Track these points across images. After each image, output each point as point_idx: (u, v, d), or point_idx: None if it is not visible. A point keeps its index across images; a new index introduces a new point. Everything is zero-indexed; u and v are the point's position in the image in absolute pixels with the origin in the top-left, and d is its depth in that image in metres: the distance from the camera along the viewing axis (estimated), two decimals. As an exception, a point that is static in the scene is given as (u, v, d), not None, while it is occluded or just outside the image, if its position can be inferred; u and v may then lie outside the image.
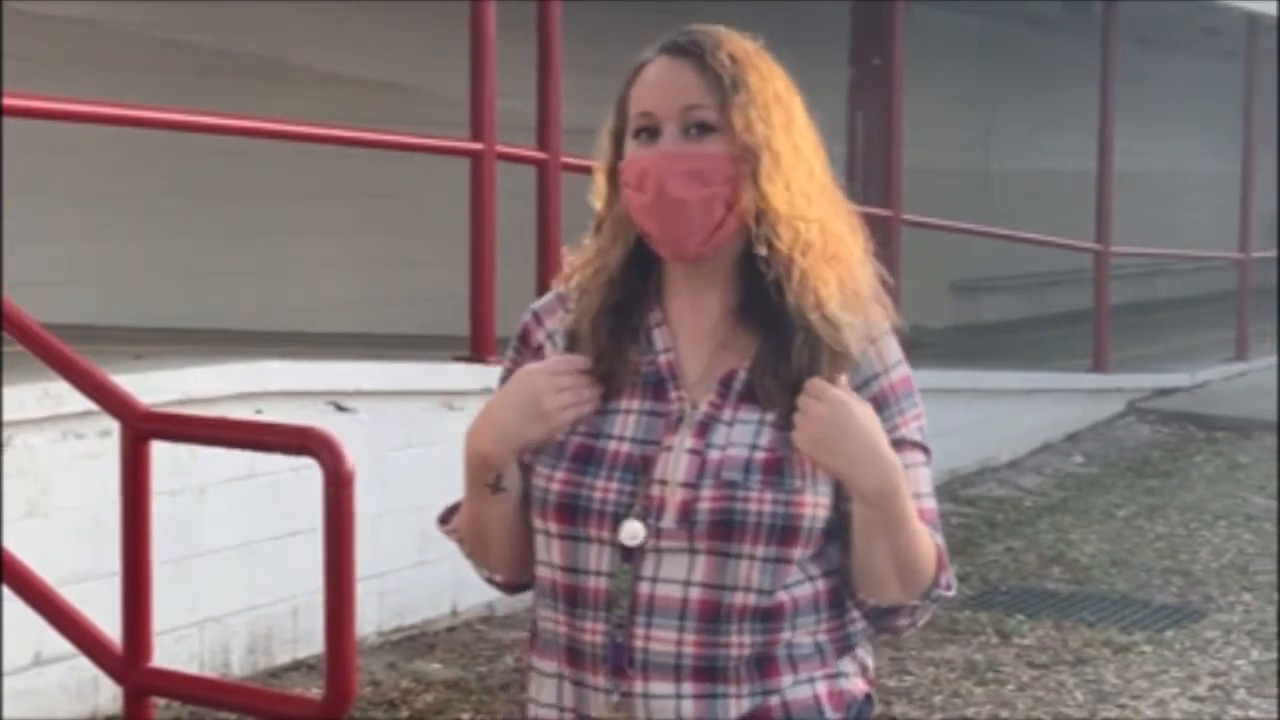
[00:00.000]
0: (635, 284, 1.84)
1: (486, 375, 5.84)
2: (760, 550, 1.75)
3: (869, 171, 10.64)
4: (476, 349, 5.88)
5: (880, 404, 1.80)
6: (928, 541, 1.78)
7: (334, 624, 2.74)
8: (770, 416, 1.78)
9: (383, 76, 8.47)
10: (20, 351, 3.37)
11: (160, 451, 3.13)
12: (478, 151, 5.87)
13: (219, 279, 7.89)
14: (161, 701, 3.51)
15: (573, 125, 6.53)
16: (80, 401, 3.66)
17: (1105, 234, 10.06)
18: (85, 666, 3.63)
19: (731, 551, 1.74)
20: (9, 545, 3.40)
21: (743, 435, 1.77)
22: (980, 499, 7.98)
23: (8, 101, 4.27)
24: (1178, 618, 5.94)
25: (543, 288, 6.18)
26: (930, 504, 1.82)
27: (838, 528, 1.79)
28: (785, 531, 1.75)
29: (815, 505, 1.76)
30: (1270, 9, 11.57)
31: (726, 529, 1.74)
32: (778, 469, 1.76)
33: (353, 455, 2.78)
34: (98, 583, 3.89)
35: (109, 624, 3.20)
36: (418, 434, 5.52)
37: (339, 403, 5.22)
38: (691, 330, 1.83)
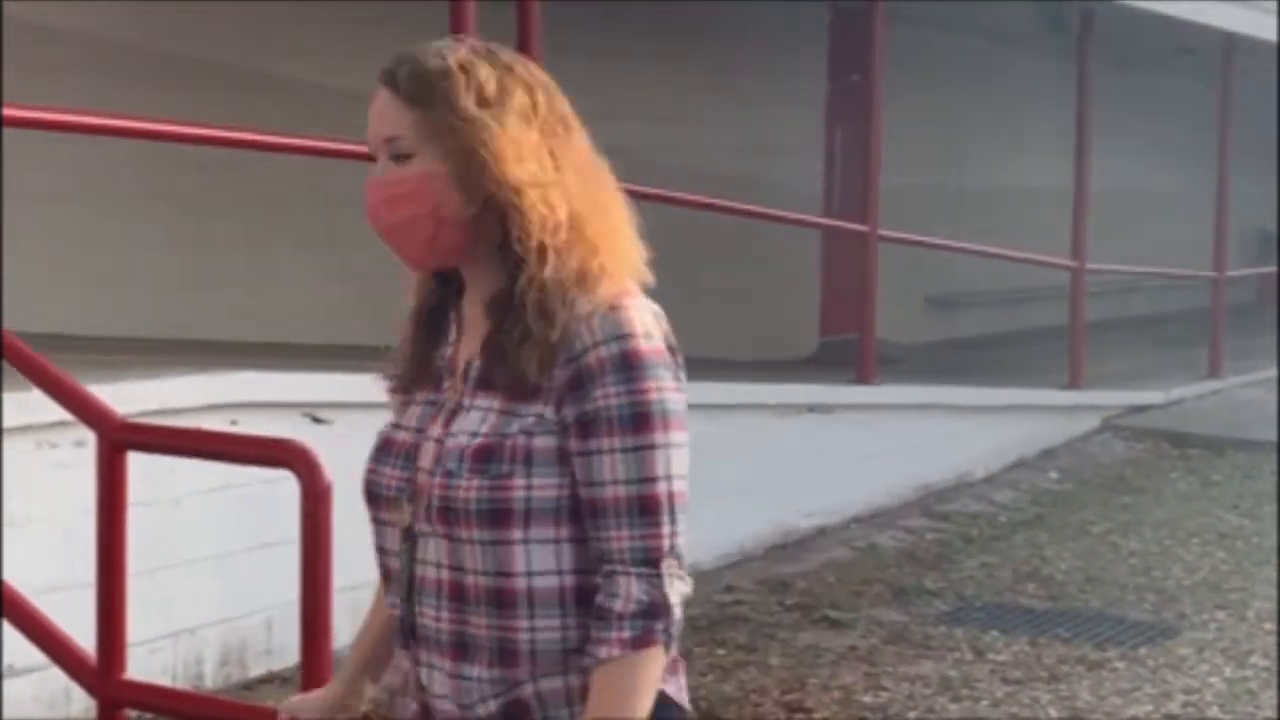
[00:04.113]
0: (450, 285, 1.95)
1: (463, 387, 5.84)
2: (476, 534, 1.80)
3: (846, 186, 10.67)
4: (453, 361, 5.86)
5: (583, 378, 1.79)
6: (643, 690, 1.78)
7: (310, 637, 2.73)
8: (497, 403, 1.82)
9: (360, 86, 8.45)
10: (-5, 360, 3.35)
11: (135, 462, 3.12)
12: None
13: (200, 289, 7.86)
14: (134, 713, 3.49)
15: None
16: (55, 411, 3.64)
17: (1081, 251, 10.11)
18: (57, 677, 3.61)
19: (455, 535, 1.82)
20: (-19, 555, 3.38)
21: (469, 423, 1.84)
22: (955, 514, 7.99)
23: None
24: (1151, 634, 5.95)
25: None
26: (617, 492, 1.79)
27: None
28: (495, 515, 1.79)
29: (528, 488, 1.79)
30: (1247, 29, 11.64)
31: (447, 515, 1.82)
32: (487, 456, 1.81)
33: (328, 467, 2.77)
34: (70, 593, 3.87)
35: (82, 635, 3.19)
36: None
37: (314, 414, 5.21)
38: (470, 323, 1.91)
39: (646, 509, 1.78)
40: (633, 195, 7.45)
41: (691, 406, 6.46)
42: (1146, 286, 14.35)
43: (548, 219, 1.82)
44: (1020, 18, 12.02)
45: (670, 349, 1.85)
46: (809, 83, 10.64)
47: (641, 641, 1.78)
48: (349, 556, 2.94)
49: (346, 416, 5.28)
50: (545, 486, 1.80)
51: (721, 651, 5.61)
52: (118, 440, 2.98)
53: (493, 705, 1.83)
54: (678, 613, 1.81)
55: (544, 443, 1.80)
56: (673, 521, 1.81)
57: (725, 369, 8.11)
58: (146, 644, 4.41)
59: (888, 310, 8.66)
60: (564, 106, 1.91)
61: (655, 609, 1.79)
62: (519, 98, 1.84)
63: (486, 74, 1.83)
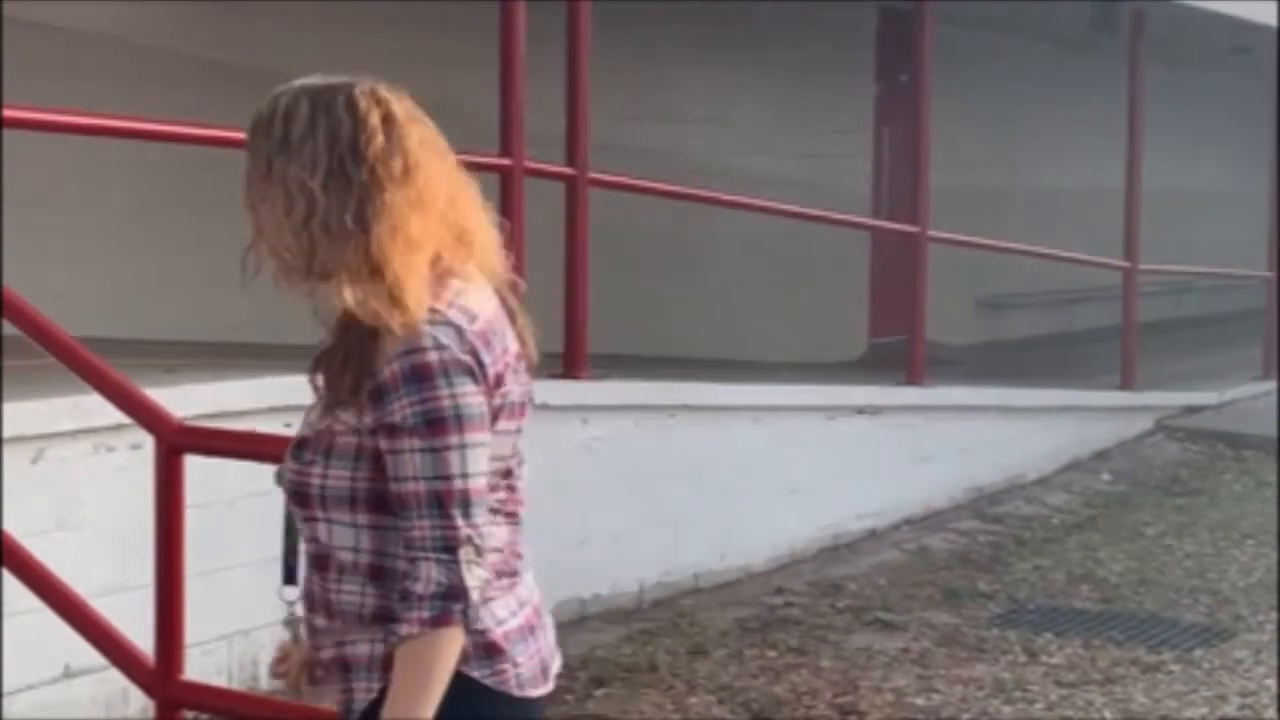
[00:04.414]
0: None
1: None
2: (296, 510, 2.11)
3: (896, 188, 10.64)
4: (504, 364, 5.89)
5: (382, 391, 1.99)
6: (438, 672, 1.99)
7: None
8: (326, 400, 2.07)
9: (409, 91, 8.49)
10: (53, 365, 3.39)
11: (190, 464, 3.14)
12: (507, 167, 5.88)
13: (251, 293, 7.90)
14: (189, 714, 3.52)
15: (601, 141, 6.56)
16: (111, 415, 3.67)
17: (1134, 251, 10.04)
18: (114, 679, 3.65)
19: (296, 510, 2.13)
20: (39, 557, 3.41)
21: (312, 416, 2.10)
22: (1008, 517, 7.95)
23: (21, 114, 4.31)
24: (1206, 637, 5.91)
25: (572, 302, 6.22)
26: (416, 487, 1.98)
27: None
28: (299, 497, 2.09)
29: (324, 477, 2.05)
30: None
31: (288, 495, 2.13)
32: (301, 444, 2.09)
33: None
34: (126, 595, 3.90)
35: (138, 637, 3.22)
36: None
37: (367, 417, 5.23)
38: None
39: (442, 503, 1.97)
40: (683, 198, 7.48)
41: (741, 408, 6.47)
42: (1199, 286, 14.23)
43: (319, 243, 2.04)
44: (1071, 17, 11.94)
45: (473, 355, 1.99)
46: (858, 84, 10.60)
47: (439, 621, 1.97)
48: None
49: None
50: (339, 477, 2.05)
51: (773, 653, 5.61)
52: (175, 443, 3.01)
53: (330, 653, 2.11)
54: (475, 596, 1.99)
55: (345, 440, 2.04)
56: (468, 514, 1.99)
57: (774, 371, 8.11)
58: (201, 645, 4.44)
59: (938, 311, 8.63)
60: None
61: (453, 592, 1.98)
62: (357, 126, 2.04)
63: (320, 108, 2.04)
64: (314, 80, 2.06)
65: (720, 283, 9.43)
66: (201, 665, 4.39)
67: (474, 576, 1.99)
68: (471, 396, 1.98)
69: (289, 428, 4.80)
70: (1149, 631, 5.98)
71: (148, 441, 3.89)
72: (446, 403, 1.96)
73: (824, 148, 10.23)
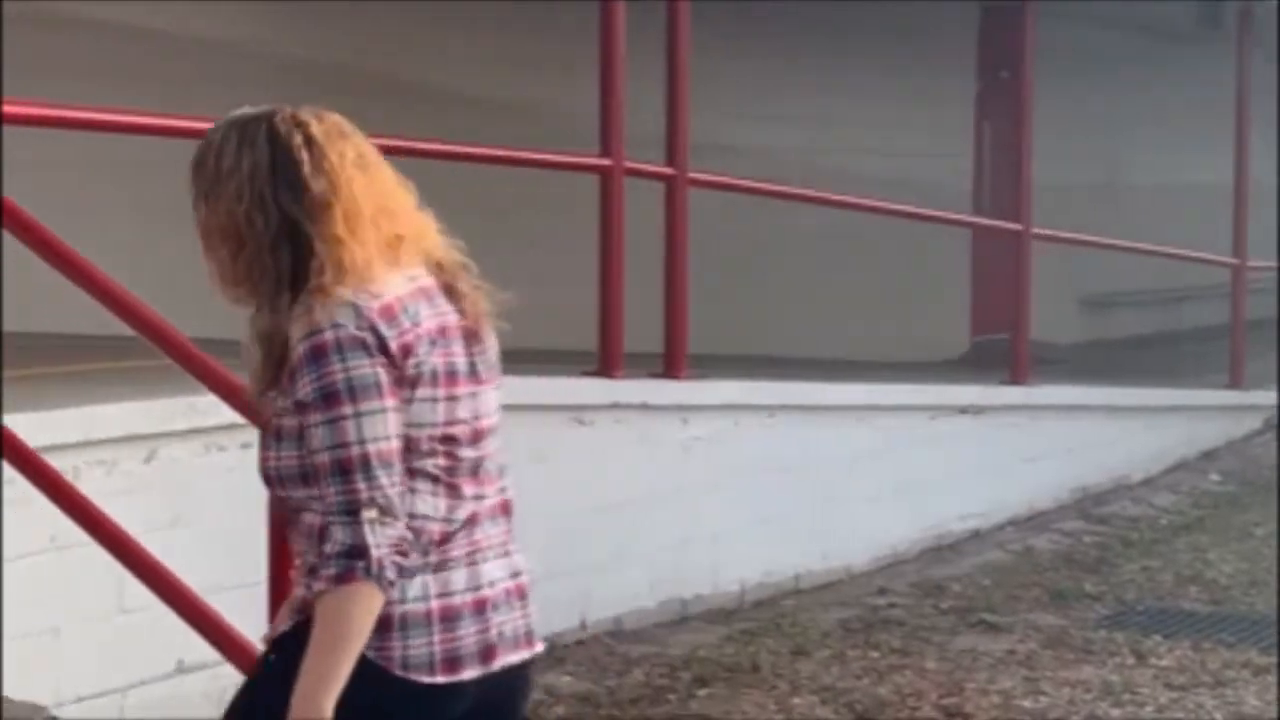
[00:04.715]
0: None
1: (615, 390, 5.87)
2: (269, 492, 2.29)
3: (997, 185, 10.54)
4: (605, 364, 5.91)
5: (293, 373, 2.14)
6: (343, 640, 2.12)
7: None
8: (255, 387, 2.24)
9: (506, 93, 8.54)
10: (167, 365, 3.44)
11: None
12: (607, 167, 5.90)
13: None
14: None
15: (700, 141, 6.56)
16: (222, 415, 3.72)
17: (1242, 248, 9.87)
18: (226, 674, 3.68)
19: (269, 492, 2.30)
20: (153, 554, 3.47)
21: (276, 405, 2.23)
22: (1114, 517, 7.85)
23: (155, 121, 4.40)
24: (1320, 639, 5.79)
25: (671, 302, 6.23)
26: (323, 458, 2.12)
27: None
28: (265, 480, 2.25)
29: (277, 459, 2.20)
30: None
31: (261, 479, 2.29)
32: (264, 432, 2.24)
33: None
34: (236, 593, 3.95)
35: (248, 634, 3.25)
36: (546, 448, 5.55)
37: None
38: None
39: (344, 469, 2.10)
40: (784, 197, 7.44)
41: (842, 408, 6.42)
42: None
43: (225, 254, 2.24)
44: (1175, 13, 11.77)
45: (371, 331, 2.12)
46: (958, 81, 10.52)
47: (343, 578, 2.09)
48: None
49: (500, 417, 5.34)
50: (289, 458, 2.19)
51: (876, 654, 5.57)
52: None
53: (301, 590, 2.23)
54: (377, 553, 2.10)
55: (290, 422, 2.17)
56: (369, 477, 2.11)
57: (875, 370, 8.06)
58: (310, 642, 4.48)
59: (1041, 310, 8.54)
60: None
61: (354, 550, 2.10)
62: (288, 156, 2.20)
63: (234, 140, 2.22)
64: (241, 112, 2.23)
65: (820, 282, 9.39)
66: (309, 662, 4.43)
67: (378, 534, 2.10)
68: (365, 368, 2.10)
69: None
70: (1260, 633, 5.87)
71: (257, 440, 3.94)
72: (339, 376, 2.10)
73: (924, 145, 10.16)
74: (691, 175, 6.29)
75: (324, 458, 2.11)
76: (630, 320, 5.97)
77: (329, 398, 2.10)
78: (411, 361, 2.14)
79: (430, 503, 2.17)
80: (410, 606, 2.15)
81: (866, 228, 8.75)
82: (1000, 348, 8.59)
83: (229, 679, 3.93)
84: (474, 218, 8.76)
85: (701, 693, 5.08)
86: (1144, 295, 12.19)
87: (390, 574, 2.10)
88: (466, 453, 2.21)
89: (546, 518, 5.47)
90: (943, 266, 9.96)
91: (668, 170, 6.25)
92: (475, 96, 8.37)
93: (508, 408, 5.75)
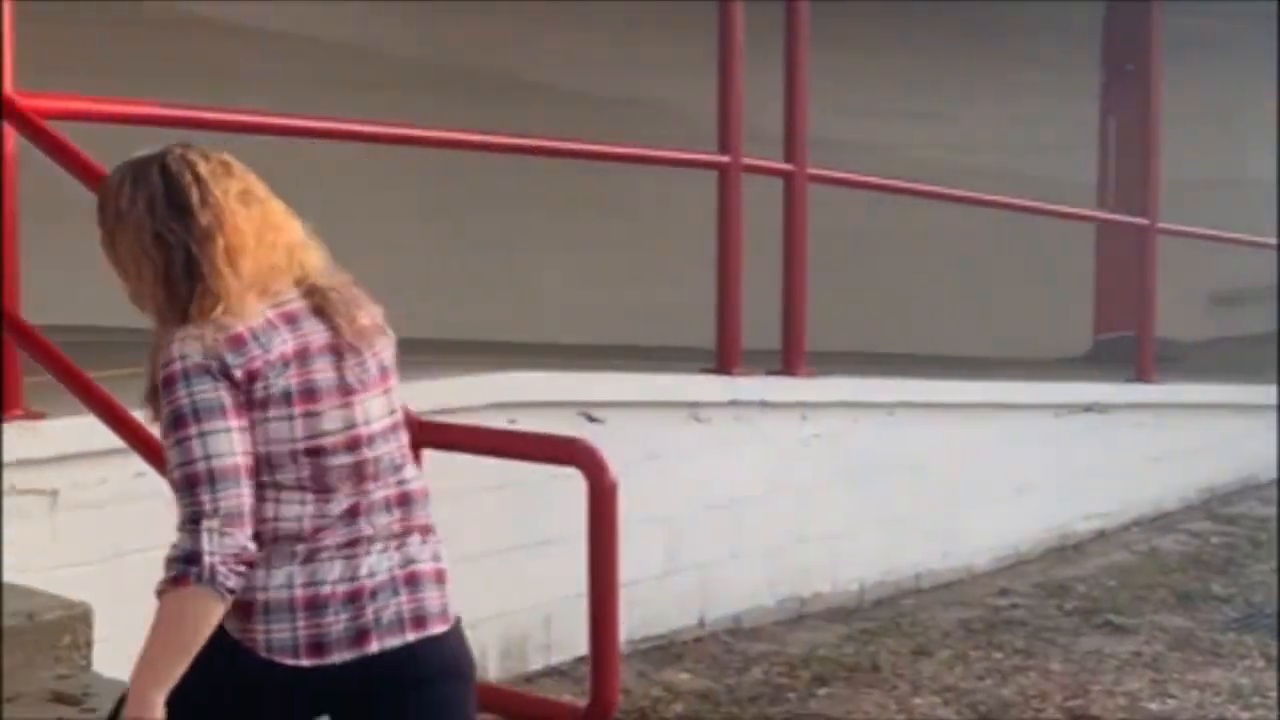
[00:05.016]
0: None
1: (733, 387, 5.86)
2: None
3: (1122, 179, 10.36)
4: (722, 361, 5.90)
5: (155, 399, 2.32)
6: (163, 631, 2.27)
7: (598, 632, 2.77)
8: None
9: (624, 92, 8.57)
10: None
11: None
12: (725, 164, 5.88)
13: (472, 291, 8.07)
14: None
15: (818, 137, 6.52)
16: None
17: (1377, 243, 9.62)
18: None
19: None
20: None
21: None
22: (1242, 518, 7.69)
23: (271, 120, 4.46)
24: None
25: (790, 299, 6.20)
26: (174, 475, 2.29)
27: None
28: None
29: (168, 477, 2.32)
30: None
31: None
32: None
33: (608, 465, 2.80)
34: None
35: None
36: (664, 445, 5.55)
37: (589, 413, 5.28)
38: None
39: (188, 484, 2.27)
40: (903, 193, 7.39)
41: (963, 405, 6.33)
42: None
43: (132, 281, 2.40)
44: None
45: (216, 359, 2.28)
46: (1082, 74, 10.36)
47: (175, 581, 2.24)
48: (623, 553, 2.98)
49: (618, 415, 5.35)
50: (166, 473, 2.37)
51: (999, 655, 5.50)
52: (414, 439, 3.06)
53: None
54: (210, 560, 2.24)
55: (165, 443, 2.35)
56: (213, 490, 2.26)
57: (996, 367, 7.96)
58: (431, 637, 4.52)
59: (1167, 306, 8.38)
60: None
61: (190, 556, 2.24)
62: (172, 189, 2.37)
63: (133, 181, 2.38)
64: (139, 154, 2.39)
65: (940, 278, 9.30)
66: (431, 656, 4.47)
67: (214, 543, 2.24)
68: (208, 393, 2.27)
69: (513, 423, 4.90)
70: (1397, 638, 5.72)
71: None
72: (184, 401, 2.27)
73: (1047, 139, 10.02)
74: (810, 171, 6.26)
75: (174, 475, 2.30)
76: (747, 317, 5.96)
77: (177, 420, 2.28)
78: (259, 385, 2.30)
79: (296, 510, 2.32)
80: (274, 594, 2.31)
81: (987, 223, 8.64)
82: (1124, 345, 8.45)
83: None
84: (594, 215, 8.82)
85: (821, 692, 5.06)
86: (1271, 291, 11.92)
87: (228, 581, 2.24)
88: (340, 460, 2.35)
89: (664, 515, 5.48)
90: (1065, 263, 9.81)
91: (786, 166, 6.22)
92: (594, 95, 8.40)
93: (628, 405, 5.78)
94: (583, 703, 2.89)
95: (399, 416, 2.46)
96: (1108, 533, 7.35)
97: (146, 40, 7.17)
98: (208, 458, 2.26)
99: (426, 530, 2.46)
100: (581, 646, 5.07)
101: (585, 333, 8.10)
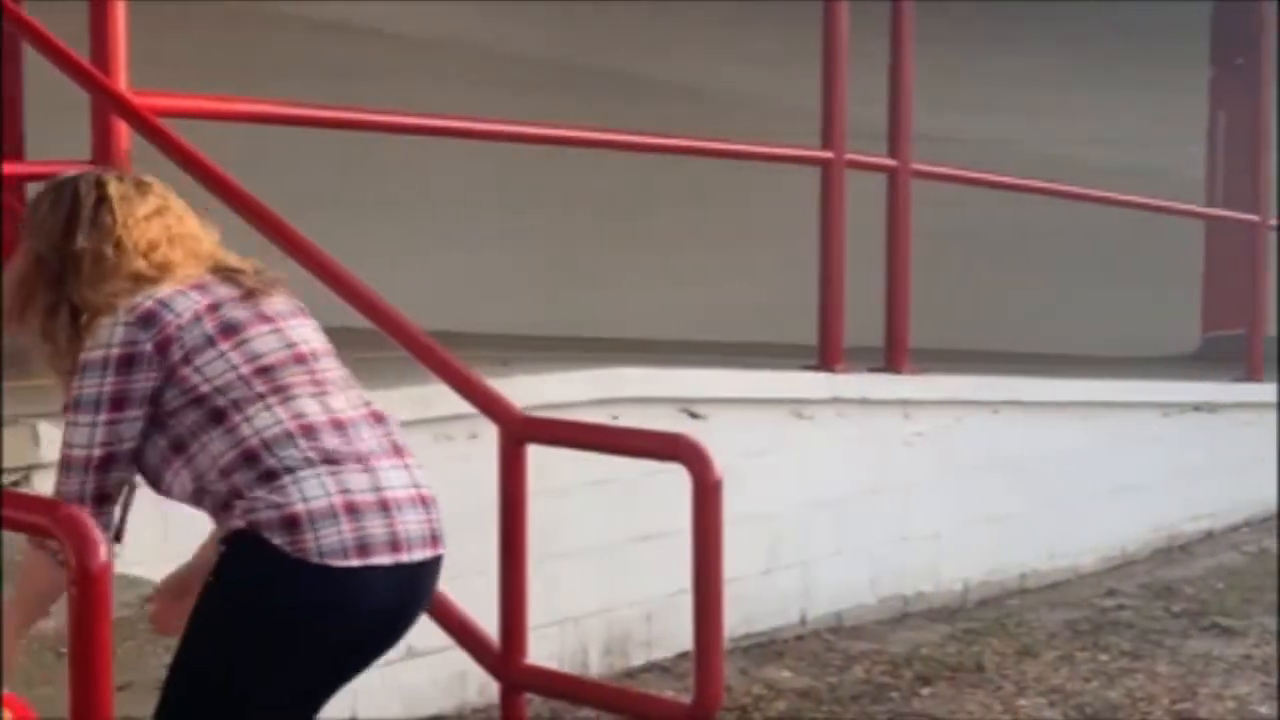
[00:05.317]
0: None
1: (835, 385, 5.83)
2: None
3: (1232, 174, 10.18)
4: (825, 358, 5.87)
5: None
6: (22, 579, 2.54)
7: (703, 629, 2.77)
8: None
9: (728, 86, 8.55)
10: (399, 356, 3.51)
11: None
12: (828, 160, 5.85)
13: (575, 287, 8.10)
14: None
15: (920, 131, 6.46)
16: (449, 405, 3.79)
17: None
18: (453, 661, 3.75)
19: None
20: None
21: None
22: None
23: (386, 118, 4.52)
24: None
25: (893, 295, 6.16)
26: (62, 452, 2.49)
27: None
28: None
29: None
30: None
31: None
32: None
33: (711, 462, 2.79)
34: (462, 581, 4.01)
35: (479, 621, 3.31)
36: (766, 442, 5.54)
37: (690, 409, 5.28)
38: None
39: (62, 466, 2.50)
40: (1008, 188, 7.28)
41: (1069, 404, 6.23)
42: None
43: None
44: None
45: (123, 344, 2.44)
46: (1191, 69, 10.19)
47: (34, 545, 2.48)
48: (725, 550, 2.97)
49: (720, 412, 5.34)
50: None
51: (1105, 657, 5.43)
52: (519, 434, 3.09)
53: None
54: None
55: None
56: (67, 474, 2.48)
57: (1102, 366, 7.86)
58: (534, 630, 4.54)
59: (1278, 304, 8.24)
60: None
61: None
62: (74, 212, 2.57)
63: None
64: (65, 174, 2.61)
65: (1044, 274, 9.20)
66: (534, 651, 4.49)
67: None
68: (95, 386, 2.45)
69: (615, 419, 4.91)
70: None
71: (484, 431, 4.00)
72: (76, 390, 2.47)
73: (1154, 135, 9.88)
74: (914, 167, 6.21)
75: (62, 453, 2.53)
76: (849, 314, 5.93)
77: (68, 407, 2.50)
78: (175, 348, 2.45)
79: (267, 417, 2.45)
80: (314, 504, 2.41)
81: (1093, 219, 8.53)
82: (1232, 344, 8.30)
83: (455, 665, 4.01)
84: (695, 210, 8.78)
85: (925, 691, 5.02)
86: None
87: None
88: (292, 371, 2.51)
89: (766, 513, 5.46)
90: (1174, 259, 9.66)
91: (890, 162, 6.18)
92: (699, 90, 8.40)
93: (730, 402, 5.75)
94: (686, 699, 2.88)
95: (332, 346, 2.63)
96: (1216, 533, 7.23)
97: (262, 41, 7.28)
98: (70, 445, 2.49)
99: (411, 453, 2.60)
100: (682, 643, 5.10)
101: (695, 329, 8.11)
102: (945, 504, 6.15)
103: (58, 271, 2.52)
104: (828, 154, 5.85)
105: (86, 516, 2.07)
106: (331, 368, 2.57)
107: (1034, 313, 9.10)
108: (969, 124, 8.90)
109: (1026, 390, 6.59)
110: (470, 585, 3.59)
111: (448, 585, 3.53)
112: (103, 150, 3.78)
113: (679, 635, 5.07)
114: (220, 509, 2.46)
